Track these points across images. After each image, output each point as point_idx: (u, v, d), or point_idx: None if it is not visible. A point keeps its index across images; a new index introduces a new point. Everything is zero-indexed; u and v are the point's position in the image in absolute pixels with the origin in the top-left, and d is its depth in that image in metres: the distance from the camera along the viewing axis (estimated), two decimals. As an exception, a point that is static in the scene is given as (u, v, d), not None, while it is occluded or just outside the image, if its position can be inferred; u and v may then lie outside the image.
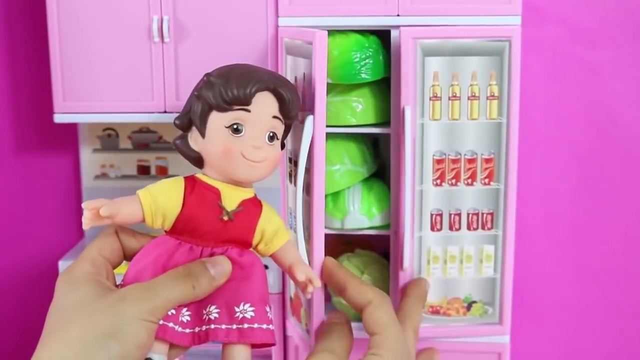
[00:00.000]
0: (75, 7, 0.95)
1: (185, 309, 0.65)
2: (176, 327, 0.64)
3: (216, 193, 0.67)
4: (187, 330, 0.65)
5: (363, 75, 0.90)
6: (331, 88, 0.93)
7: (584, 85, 1.11)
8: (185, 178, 0.68)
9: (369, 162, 0.97)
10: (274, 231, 0.71)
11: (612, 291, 1.15)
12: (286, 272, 0.74)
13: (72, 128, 1.12)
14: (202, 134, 0.67)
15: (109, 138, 1.11)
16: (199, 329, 0.66)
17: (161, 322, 0.63)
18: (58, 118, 0.98)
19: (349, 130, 0.93)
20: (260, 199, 0.70)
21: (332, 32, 0.91)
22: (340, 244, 1.05)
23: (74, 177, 1.15)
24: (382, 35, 0.93)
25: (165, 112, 0.97)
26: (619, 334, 1.17)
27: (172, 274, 0.65)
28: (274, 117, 0.68)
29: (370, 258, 0.98)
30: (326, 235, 1.03)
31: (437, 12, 0.88)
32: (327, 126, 0.93)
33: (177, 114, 0.69)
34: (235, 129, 0.66)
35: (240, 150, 0.66)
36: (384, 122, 0.94)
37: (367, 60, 0.90)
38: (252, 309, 0.66)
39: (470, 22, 0.88)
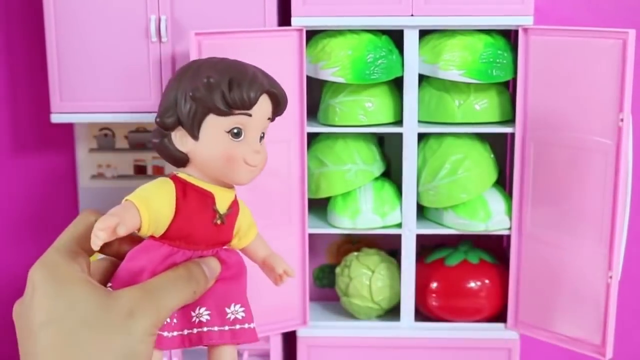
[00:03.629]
0: (72, 8, 0.94)
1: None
2: (166, 334, 0.63)
3: (211, 197, 0.65)
4: (175, 334, 0.64)
5: (377, 76, 0.90)
6: (343, 87, 0.93)
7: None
8: (174, 181, 0.65)
9: (378, 161, 0.96)
10: (248, 225, 0.70)
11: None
12: (257, 264, 0.75)
13: (68, 128, 1.11)
14: (195, 137, 0.65)
15: (105, 138, 1.09)
16: (189, 331, 0.64)
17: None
18: (55, 118, 0.97)
19: (361, 129, 0.93)
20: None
21: (344, 31, 0.91)
22: (345, 243, 1.05)
23: (70, 176, 1.13)
24: (392, 34, 0.93)
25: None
26: (620, 333, 1.18)
27: (174, 278, 0.62)
28: (268, 118, 0.68)
29: (379, 257, 0.98)
30: (331, 235, 1.03)
31: (451, 12, 0.88)
32: (339, 126, 0.94)
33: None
34: (236, 134, 0.65)
35: (243, 156, 0.65)
36: (395, 121, 0.94)
37: (380, 61, 0.90)
38: (242, 309, 0.66)
39: (482, 22, 0.88)
